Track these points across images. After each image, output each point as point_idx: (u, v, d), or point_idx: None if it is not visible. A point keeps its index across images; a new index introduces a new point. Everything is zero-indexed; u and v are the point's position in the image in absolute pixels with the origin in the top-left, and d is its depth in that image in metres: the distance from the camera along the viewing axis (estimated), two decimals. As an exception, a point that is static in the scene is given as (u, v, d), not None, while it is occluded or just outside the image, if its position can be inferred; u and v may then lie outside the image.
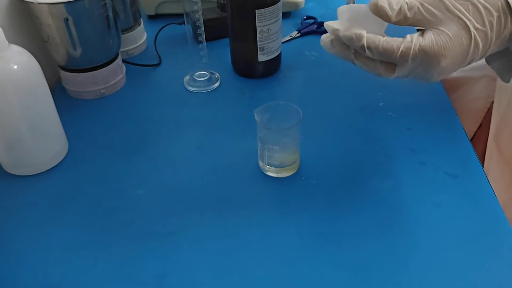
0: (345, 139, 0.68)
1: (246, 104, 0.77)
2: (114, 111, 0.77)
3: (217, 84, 0.81)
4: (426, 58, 0.45)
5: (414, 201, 0.58)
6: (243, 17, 0.75)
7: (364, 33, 0.46)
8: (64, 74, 0.78)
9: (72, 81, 0.78)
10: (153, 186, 0.62)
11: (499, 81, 0.75)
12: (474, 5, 0.45)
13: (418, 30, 0.47)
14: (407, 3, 0.46)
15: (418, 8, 0.45)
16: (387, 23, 0.48)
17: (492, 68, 0.54)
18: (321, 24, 0.95)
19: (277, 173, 0.62)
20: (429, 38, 0.45)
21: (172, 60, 0.88)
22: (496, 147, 0.76)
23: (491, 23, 0.46)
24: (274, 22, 0.76)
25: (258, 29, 0.75)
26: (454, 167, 0.62)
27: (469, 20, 0.45)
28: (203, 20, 0.75)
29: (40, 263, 0.53)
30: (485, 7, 0.45)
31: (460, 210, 0.57)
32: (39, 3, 0.68)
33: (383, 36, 0.47)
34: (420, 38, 0.45)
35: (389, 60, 0.47)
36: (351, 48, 0.48)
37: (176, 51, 0.91)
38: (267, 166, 0.62)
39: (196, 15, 0.74)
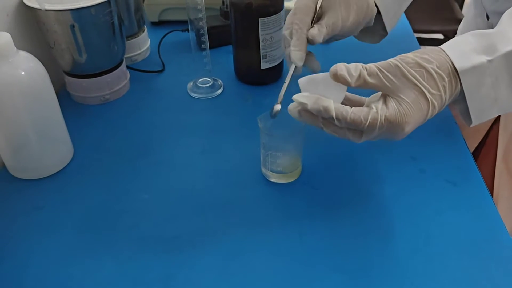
0: (347, 146, 0.69)
1: (248, 110, 0.78)
2: (118, 117, 0.78)
3: (220, 91, 0.82)
4: (391, 127, 0.48)
5: (414, 208, 0.59)
6: (246, 25, 0.77)
7: (331, 105, 0.49)
8: (69, 79, 0.79)
9: (77, 86, 0.79)
10: (158, 191, 0.63)
11: None
12: (428, 72, 0.49)
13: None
14: (366, 69, 0.49)
15: (377, 74, 0.49)
16: (346, 87, 0.50)
17: (457, 110, 0.58)
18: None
19: (279, 179, 0.63)
20: (393, 108, 0.48)
21: (176, 67, 0.90)
22: (505, 168, 0.77)
23: (444, 87, 0.50)
24: (277, 30, 0.77)
25: (261, 37, 0.77)
26: (453, 175, 0.63)
27: (425, 87, 0.49)
28: (207, 28, 0.76)
29: (46, 266, 0.54)
30: (438, 73, 0.49)
31: (459, 217, 0.58)
32: (46, 10, 0.69)
33: (344, 99, 0.51)
34: (385, 108, 0.48)
35: (357, 129, 0.50)
36: (319, 117, 0.51)
37: (179, 58, 0.92)
38: (270, 172, 0.63)
39: (200, 23, 0.75)
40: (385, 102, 0.49)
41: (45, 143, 0.64)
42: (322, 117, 0.50)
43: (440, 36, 1.94)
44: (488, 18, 0.80)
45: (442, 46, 0.52)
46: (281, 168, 0.62)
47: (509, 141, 0.77)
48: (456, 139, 0.69)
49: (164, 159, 0.68)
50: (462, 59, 0.50)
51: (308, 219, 0.58)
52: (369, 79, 0.49)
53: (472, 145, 0.84)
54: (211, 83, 0.83)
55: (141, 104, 0.80)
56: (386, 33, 0.70)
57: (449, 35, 1.85)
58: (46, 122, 0.64)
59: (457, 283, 0.50)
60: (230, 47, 0.84)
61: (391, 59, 0.50)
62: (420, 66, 0.49)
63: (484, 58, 0.50)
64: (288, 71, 0.59)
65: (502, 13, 0.56)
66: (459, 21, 1.05)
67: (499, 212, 0.58)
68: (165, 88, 0.84)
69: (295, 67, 0.59)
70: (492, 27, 0.57)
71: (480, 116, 0.54)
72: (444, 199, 0.60)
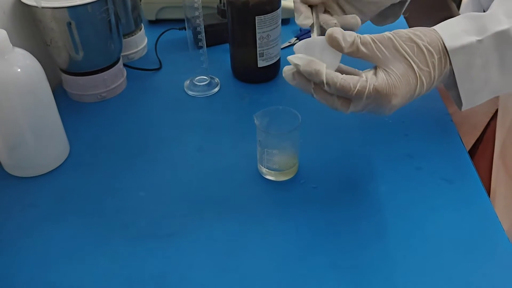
0: (343, 144, 0.69)
1: (245, 108, 0.78)
2: (115, 115, 0.78)
3: (217, 89, 0.82)
4: (379, 97, 0.49)
5: (410, 205, 0.59)
6: (243, 23, 0.77)
7: (323, 69, 0.49)
8: (65, 77, 0.79)
9: (74, 84, 0.79)
10: (154, 188, 0.63)
11: (502, 99, 0.77)
12: (419, 47, 0.50)
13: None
14: (360, 38, 0.49)
15: (370, 43, 0.49)
16: (341, 54, 0.51)
17: (450, 96, 0.58)
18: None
19: (276, 176, 0.63)
20: (382, 78, 0.49)
21: (172, 65, 0.90)
22: (502, 165, 0.78)
23: (433, 64, 0.51)
24: (274, 28, 0.77)
25: (258, 35, 0.77)
26: (449, 173, 0.63)
27: (415, 62, 0.50)
28: (204, 26, 0.76)
29: (41, 264, 0.54)
30: (428, 50, 0.50)
31: (455, 214, 0.58)
32: (43, 7, 0.69)
33: (338, 66, 0.51)
34: (374, 77, 0.49)
35: (345, 96, 0.50)
36: (311, 82, 0.51)
37: (176, 56, 0.92)
38: (266, 170, 0.63)
39: (197, 21, 0.75)
40: (375, 73, 0.50)
41: (41, 141, 0.64)
42: (314, 82, 0.51)
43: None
44: None
45: (434, 26, 0.53)
46: (278, 165, 0.62)
47: (506, 137, 0.77)
48: (452, 137, 0.69)
49: (161, 156, 0.68)
50: (452, 39, 0.51)
51: (304, 217, 0.58)
52: (362, 48, 0.49)
53: (470, 142, 0.84)
54: (208, 81, 0.83)
55: (138, 102, 0.80)
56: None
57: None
58: (42, 119, 0.63)
59: (452, 280, 0.51)
60: (227, 45, 0.84)
61: (385, 32, 0.51)
62: (412, 41, 0.50)
63: (474, 38, 0.51)
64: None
65: None
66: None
67: (496, 208, 0.59)
68: (162, 86, 0.84)
69: (315, 30, 0.59)
70: None
71: (472, 99, 0.55)
72: (440, 197, 0.60)
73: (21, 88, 0.59)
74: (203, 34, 0.76)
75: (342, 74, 0.49)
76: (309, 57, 0.50)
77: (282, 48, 0.83)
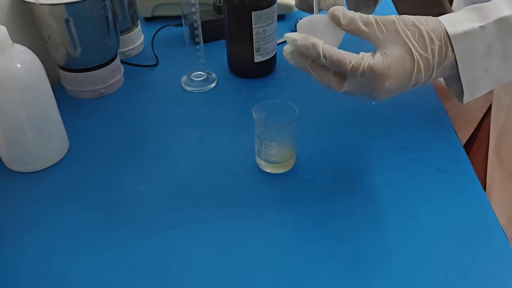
0: (340, 136, 0.70)
1: (242, 103, 0.79)
2: (113, 110, 0.78)
3: (213, 84, 0.83)
4: (373, 76, 0.49)
5: (406, 196, 0.60)
6: (239, 19, 0.78)
7: (319, 42, 0.49)
8: (63, 73, 0.80)
9: (72, 80, 0.79)
10: (153, 182, 0.64)
11: (496, 95, 0.78)
12: (420, 32, 0.50)
13: None
14: (363, 17, 0.50)
15: (372, 24, 0.50)
16: (343, 33, 0.52)
17: (452, 91, 0.59)
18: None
19: (274, 169, 0.64)
20: (378, 58, 0.49)
21: (169, 61, 0.90)
22: (497, 161, 0.79)
23: (433, 51, 0.51)
24: (270, 24, 0.78)
25: (254, 31, 0.77)
26: (444, 164, 0.64)
27: (413, 45, 0.50)
28: (200, 22, 0.77)
29: (43, 257, 0.55)
30: (429, 36, 0.51)
31: (450, 204, 0.59)
32: (41, 4, 0.69)
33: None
34: (370, 57, 0.49)
35: (340, 71, 0.50)
36: (309, 59, 0.52)
37: (173, 52, 0.92)
38: (264, 162, 0.64)
39: (194, 17, 0.75)
40: (373, 54, 0.50)
41: (41, 136, 0.65)
42: (311, 59, 0.51)
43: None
44: None
45: (437, 17, 0.54)
46: (276, 158, 0.62)
47: (500, 133, 0.78)
48: (446, 129, 0.70)
49: (159, 151, 0.69)
50: (454, 25, 0.51)
51: (302, 208, 0.59)
52: (362, 26, 0.50)
53: (464, 137, 0.85)
54: (205, 76, 0.83)
55: (135, 98, 0.81)
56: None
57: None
58: (42, 115, 0.64)
59: (447, 269, 0.52)
60: (223, 41, 0.85)
61: (391, 15, 0.51)
62: (415, 26, 0.50)
63: (476, 25, 0.51)
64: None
65: None
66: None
67: (492, 204, 0.59)
68: (159, 82, 0.85)
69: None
70: None
71: (473, 88, 0.55)
72: (435, 187, 0.61)
73: (21, 84, 0.60)
74: (200, 30, 0.77)
75: None
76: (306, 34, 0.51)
77: (278, 43, 0.84)
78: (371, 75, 0.49)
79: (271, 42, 0.80)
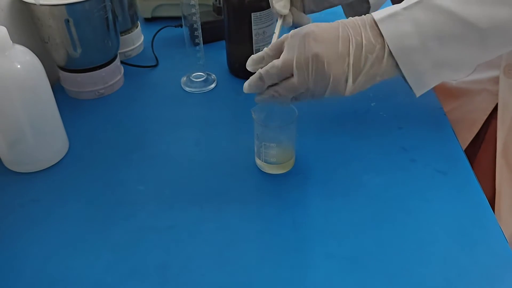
0: (339, 137, 0.70)
1: (242, 104, 0.79)
2: (113, 111, 0.78)
3: (213, 85, 0.83)
4: (302, 35, 0.55)
5: (405, 196, 0.60)
6: (239, 20, 0.78)
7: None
8: (63, 74, 0.80)
9: (72, 81, 0.80)
10: (153, 182, 0.64)
11: (501, 97, 0.78)
12: (352, 21, 0.56)
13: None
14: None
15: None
16: None
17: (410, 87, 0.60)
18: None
19: (273, 169, 0.64)
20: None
21: (169, 62, 0.90)
22: (505, 164, 0.78)
23: (363, 32, 0.55)
24: (269, 25, 0.78)
25: (253, 32, 0.78)
26: (443, 164, 0.64)
27: (343, 23, 0.56)
28: (200, 23, 0.77)
29: (44, 257, 0.55)
30: (360, 24, 0.55)
31: (449, 205, 0.59)
32: (41, 5, 0.70)
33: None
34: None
35: (281, 49, 0.58)
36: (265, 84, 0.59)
37: (172, 53, 0.93)
38: (264, 163, 0.64)
39: (194, 18, 0.76)
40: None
41: (41, 137, 0.65)
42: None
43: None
44: None
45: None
46: (275, 159, 0.63)
47: (508, 135, 0.78)
48: (445, 131, 0.71)
49: (159, 152, 0.69)
50: (381, 13, 0.55)
51: (302, 208, 0.59)
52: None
53: (467, 139, 0.84)
54: (205, 77, 0.84)
55: (135, 99, 0.81)
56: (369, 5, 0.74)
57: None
58: (42, 115, 0.64)
59: (446, 269, 0.52)
60: (223, 42, 0.85)
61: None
62: (349, 20, 0.56)
63: (399, 8, 0.54)
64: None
65: None
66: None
67: (501, 209, 0.59)
68: (159, 82, 0.85)
69: (283, 19, 0.65)
70: None
71: (416, 73, 0.56)
72: (434, 188, 0.61)
73: (21, 84, 0.60)
74: (200, 31, 0.77)
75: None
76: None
77: (277, 45, 0.84)
78: (299, 32, 0.55)
79: (270, 43, 0.80)
